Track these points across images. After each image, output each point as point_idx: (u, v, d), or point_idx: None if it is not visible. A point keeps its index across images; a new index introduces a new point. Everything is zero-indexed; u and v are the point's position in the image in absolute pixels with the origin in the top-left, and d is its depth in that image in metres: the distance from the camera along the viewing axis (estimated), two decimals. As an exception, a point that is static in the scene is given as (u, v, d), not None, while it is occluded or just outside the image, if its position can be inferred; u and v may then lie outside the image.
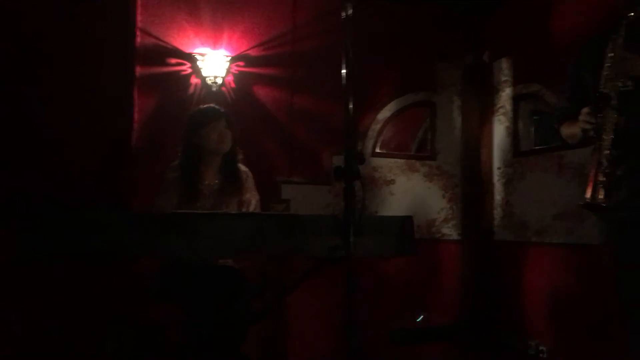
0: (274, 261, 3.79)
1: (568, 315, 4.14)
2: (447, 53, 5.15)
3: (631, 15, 1.98)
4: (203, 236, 2.01)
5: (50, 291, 3.51)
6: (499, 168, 4.95)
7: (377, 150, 4.92)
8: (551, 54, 4.27)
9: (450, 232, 5.07)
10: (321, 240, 2.08)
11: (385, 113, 4.94)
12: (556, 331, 4.25)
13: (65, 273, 3.39)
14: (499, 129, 4.98)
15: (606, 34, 2.07)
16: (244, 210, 2.99)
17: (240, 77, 4.46)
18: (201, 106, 3.14)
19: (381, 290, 4.65)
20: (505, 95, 4.91)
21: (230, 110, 4.29)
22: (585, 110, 2.03)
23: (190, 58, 4.34)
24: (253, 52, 4.52)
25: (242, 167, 3.09)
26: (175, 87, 4.29)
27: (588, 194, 1.90)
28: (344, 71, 1.65)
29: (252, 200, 3.04)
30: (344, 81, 1.64)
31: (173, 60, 4.31)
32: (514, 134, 4.82)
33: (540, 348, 4.33)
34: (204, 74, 4.32)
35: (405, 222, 2.38)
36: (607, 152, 1.90)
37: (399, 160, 4.98)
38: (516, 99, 4.81)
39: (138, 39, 4.18)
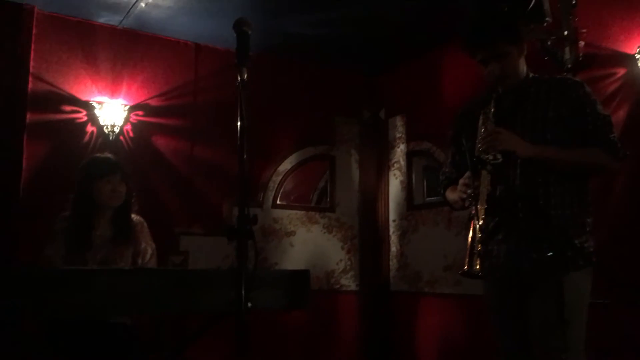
0: (170, 316, 3.68)
1: (458, 363, 4.31)
2: (346, 109, 5.37)
3: (499, 90, 2.19)
4: (93, 293, 1.93)
5: None
6: (394, 220, 5.15)
7: (278, 202, 4.98)
8: (440, 115, 4.57)
9: (348, 282, 5.17)
10: (216, 295, 2.07)
11: (286, 165, 5.04)
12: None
13: None
14: (394, 183, 5.20)
15: (480, 105, 2.27)
16: (139, 260, 2.92)
17: (139, 127, 4.40)
18: (96, 155, 3.04)
19: (281, 343, 4.64)
20: (399, 151, 5.16)
21: (128, 159, 4.25)
22: (461, 180, 2.19)
23: (87, 106, 4.23)
24: (153, 102, 4.49)
25: (136, 217, 3.03)
26: (69, 135, 4.16)
27: (465, 264, 2.03)
28: (239, 134, 1.69)
29: (148, 249, 2.97)
30: (239, 143, 1.68)
31: (68, 108, 4.19)
32: (408, 188, 5.06)
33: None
34: (101, 122, 4.22)
35: (300, 276, 2.41)
36: (482, 222, 2.05)
37: (299, 211, 5.06)
38: (410, 155, 5.07)
39: (30, 85, 4.03)
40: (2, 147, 3.87)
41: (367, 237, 5.28)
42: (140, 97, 4.44)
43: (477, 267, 2.00)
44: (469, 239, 2.05)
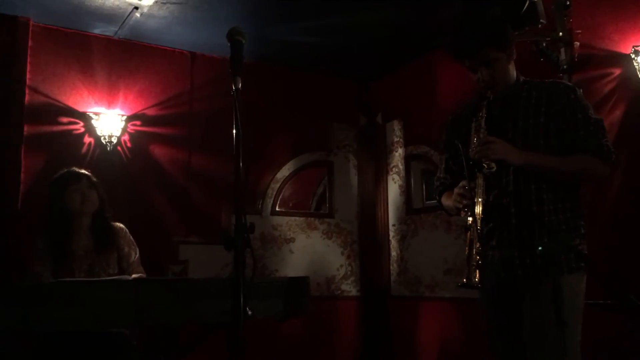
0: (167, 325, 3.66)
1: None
2: (342, 115, 5.37)
3: (490, 95, 2.19)
4: (88, 306, 1.93)
5: None
6: (393, 225, 5.15)
7: (277, 208, 4.97)
8: (438, 118, 4.54)
9: (349, 288, 5.16)
10: (213, 305, 2.06)
11: (284, 172, 5.04)
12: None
13: None
14: (393, 187, 5.20)
15: (471, 111, 2.27)
16: (124, 264, 2.94)
17: (136, 137, 4.40)
18: (61, 171, 3.09)
19: (281, 350, 4.62)
20: (397, 155, 5.16)
21: (126, 169, 4.26)
22: (456, 190, 2.19)
23: (84, 117, 4.24)
24: (150, 112, 4.49)
25: (116, 224, 3.06)
26: (67, 146, 4.16)
27: (464, 276, 2.04)
28: (235, 142, 1.70)
29: (131, 253, 3.01)
30: (235, 151, 1.69)
31: (65, 119, 4.19)
32: (406, 192, 5.05)
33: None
34: (98, 133, 4.23)
35: (299, 283, 2.40)
36: (478, 232, 2.05)
37: (298, 218, 5.05)
38: (408, 159, 5.07)
39: (27, 97, 4.03)
40: (0, 160, 3.87)
41: (367, 242, 5.28)
42: (137, 107, 4.45)
43: (476, 278, 2.01)
44: (466, 250, 2.06)
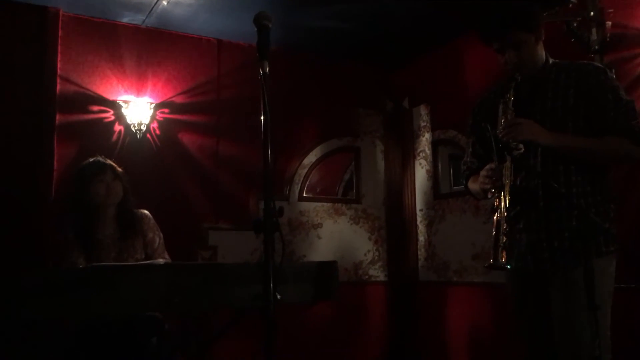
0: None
1: (487, 351, 4.28)
2: (369, 100, 5.35)
3: (518, 77, 2.16)
4: (122, 291, 1.98)
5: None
6: (421, 210, 5.13)
7: (304, 194, 4.99)
8: (465, 102, 4.51)
9: (377, 273, 5.17)
10: (243, 290, 2.09)
11: (310, 158, 5.05)
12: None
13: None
14: (420, 172, 5.17)
15: (499, 93, 2.25)
16: (148, 250, 3.00)
17: (165, 124, 4.45)
18: (87, 161, 3.14)
19: (309, 334, 4.67)
20: (424, 140, 5.12)
21: (155, 157, 4.31)
22: (483, 172, 2.17)
23: (114, 105, 4.30)
24: (178, 99, 4.54)
25: (140, 211, 3.11)
26: (98, 135, 4.23)
27: (491, 257, 2.03)
28: (262, 128, 1.71)
29: (155, 238, 3.06)
30: (262, 138, 1.70)
31: (95, 108, 4.26)
32: (434, 177, 5.03)
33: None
34: (128, 121, 4.28)
35: (328, 268, 2.42)
36: (505, 214, 2.03)
37: (325, 204, 5.07)
38: (435, 144, 5.04)
39: (58, 87, 4.10)
40: (34, 149, 3.96)
41: (394, 228, 5.27)
42: (166, 94, 4.50)
43: (503, 259, 2.00)
44: (493, 231, 2.04)
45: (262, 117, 1.72)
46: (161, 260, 2.90)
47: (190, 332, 3.80)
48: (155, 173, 4.30)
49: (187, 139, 4.54)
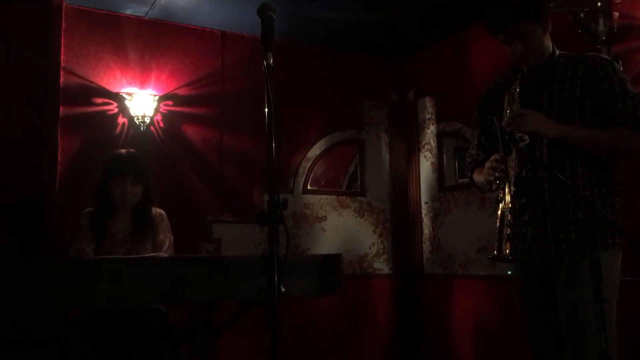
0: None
1: (492, 344, 4.27)
2: (373, 92, 5.32)
3: (524, 68, 2.14)
4: (127, 283, 1.97)
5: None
6: (426, 203, 5.11)
7: (309, 187, 4.98)
8: (471, 94, 4.48)
9: (382, 266, 5.16)
10: (248, 283, 2.09)
11: (315, 151, 5.03)
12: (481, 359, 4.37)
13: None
14: (425, 165, 5.15)
15: (505, 85, 2.23)
16: (157, 251, 2.99)
17: (168, 116, 4.44)
18: (115, 152, 3.12)
19: (314, 327, 4.67)
20: (430, 132, 5.10)
21: (159, 149, 4.30)
22: (488, 163, 2.15)
23: (117, 97, 4.29)
24: (182, 92, 4.52)
25: (156, 210, 3.09)
26: (102, 127, 4.22)
27: (495, 249, 2.01)
28: (267, 120, 1.69)
29: (165, 240, 3.06)
30: (267, 130, 1.68)
31: (99, 100, 4.25)
32: (439, 170, 5.00)
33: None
34: (131, 113, 4.27)
35: (333, 261, 2.40)
36: (509, 206, 2.02)
37: (329, 196, 5.06)
38: (440, 136, 5.01)
39: (62, 79, 4.09)
40: (38, 142, 3.95)
41: (399, 220, 5.26)
42: (169, 87, 4.48)
43: (507, 251, 1.98)
44: (498, 223, 2.03)
45: (266, 109, 1.71)
46: (164, 254, 2.89)
47: (195, 325, 3.80)
48: (158, 166, 4.28)
49: (191, 132, 4.53)
